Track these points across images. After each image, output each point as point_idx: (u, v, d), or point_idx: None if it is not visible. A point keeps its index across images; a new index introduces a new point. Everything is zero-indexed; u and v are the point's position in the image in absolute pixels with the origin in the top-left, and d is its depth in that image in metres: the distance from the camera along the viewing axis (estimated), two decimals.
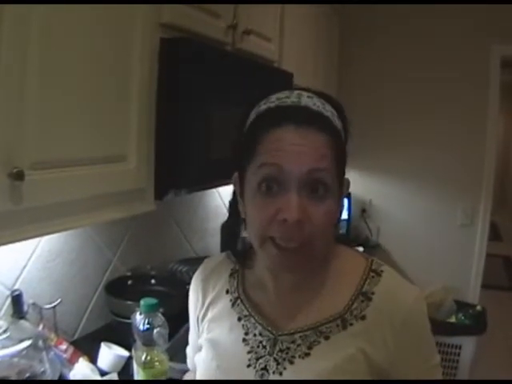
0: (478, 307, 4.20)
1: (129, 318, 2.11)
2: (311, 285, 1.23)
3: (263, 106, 1.16)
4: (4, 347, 1.62)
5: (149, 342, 1.59)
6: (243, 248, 1.32)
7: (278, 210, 1.08)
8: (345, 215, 4.09)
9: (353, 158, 1.24)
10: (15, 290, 1.88)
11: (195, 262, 2.83)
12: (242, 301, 1.30)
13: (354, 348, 1.14)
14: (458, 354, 3.98)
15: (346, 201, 4.00)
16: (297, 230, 1.07)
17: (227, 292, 1.34)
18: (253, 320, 1.26)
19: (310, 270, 1.20)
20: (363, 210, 4.52)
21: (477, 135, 4.23)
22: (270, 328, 1.23)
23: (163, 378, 1.59)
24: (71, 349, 1.93)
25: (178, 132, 1.87)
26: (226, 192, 3.31)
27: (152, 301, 1.62)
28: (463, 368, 3.99)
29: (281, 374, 1.18)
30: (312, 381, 1.14)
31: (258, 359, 1.22)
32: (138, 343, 1.60)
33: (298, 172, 1.07)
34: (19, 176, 1.27)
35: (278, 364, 1.19)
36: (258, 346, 1.23)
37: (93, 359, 1.97)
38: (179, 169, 1.90)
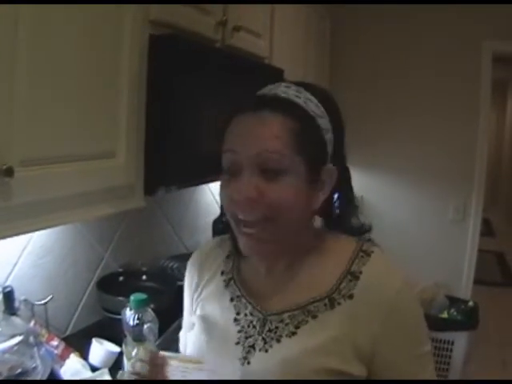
0: (470, 303, 4.22)
1: (120, 314, 2.12)
2: (300, 266, 1.26)
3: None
4: None
5: (139, 338, 1.59)
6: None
7: (233, 190, 1.16)
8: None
9: None
10: (6, 287, 1.87)
11: (186, 258, 2.83)
12: (235, 282, 1.35)
13: (340, 328, 1.16)
14: (451, 350, 4.00)
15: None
16: (248, 208, 1.14)
17: (222, 273, 1.39)
18: (244, 300, 1.30)
19: (284, 254, 1.26)
20: None
21: (469, 131, 4.23)
22: (259, 308, 1.27)
23: None
24: (62, 345, 1.94)
25: (168, 128, 1.87)
26: (217, 188, 3.29)
27: (141, 296, 1.62)
28: (456, 363, 4.01)
29: (266, 351, 1.21)
30: (312, 381, 1.15)
31: (247, 338, 1.25)
32: (129, 339, 1.61)
33: (247, 154, 1.14)
34: (9, 172, 1.27)
35: (265, 343, 1.22)
36: (249, 326, 1.26)
37: (84, 355, 1.97)
38: (169, 165, 1.91)
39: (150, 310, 1.61)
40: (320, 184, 1.20)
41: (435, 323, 3.88)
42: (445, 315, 4.13)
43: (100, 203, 1.72)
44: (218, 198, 3.48)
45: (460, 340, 4.00)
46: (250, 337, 1.25)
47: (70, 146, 1.54)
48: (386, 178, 4.51)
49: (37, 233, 2.02)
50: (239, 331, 1.27)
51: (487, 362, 4.51)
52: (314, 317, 1.19)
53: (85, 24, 1.54)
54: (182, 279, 2.54)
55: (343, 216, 1.30)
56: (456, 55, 4.19)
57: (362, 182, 4.44)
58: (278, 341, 1.21)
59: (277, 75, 2.65)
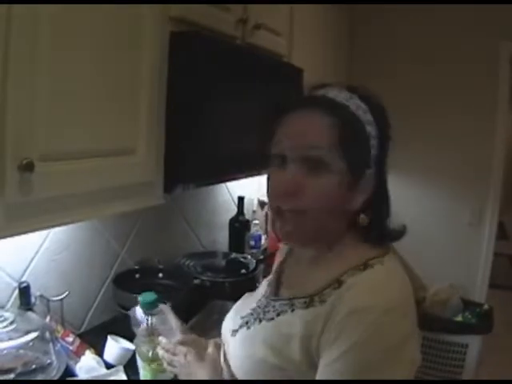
0: (485, 306, 4.18)
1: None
2: (309, 265, 1.31)
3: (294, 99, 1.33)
4: (10, 339, 1.62)
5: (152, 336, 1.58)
6: None
7: (277, 182, 1.24)
8: None
9: None
10: (23, 282, 1.88)
11: (202, 256, 2.86)
12: (282, 262, 1.48)
13: (302, 329, 1.17)
14: (465, 353, 3.96)
15: None
16: (284, 199, 1.21)
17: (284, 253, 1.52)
18: (268, 282, 1.45)
19: (312, 247, 1.30)
20: None
21: (485, 133, 4.19)
22: (273, 291, 1.39)
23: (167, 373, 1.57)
24: (78, 341, 1.94)
25: (188, 126, 1.86)
26: (234, 187, 3.34)
27: (151, 296, 1.57)
28: (469, 367, 3.97)
29: (248, 328, 1.33)
30: (312, 381, 1.15)
31: (252, 313, 1.36)
32: (140, 338, 1.59)
33: (293, 148, 1.20)
34: (29, 167, 1.28)
35: (254, 320, 1.33)
36: (259, 303, 1.38)
37: (99, 352, 1.97)
38: (188, 163, 1.90)
39: (159, 307, 1.58)
40: (362, 187, 1.22)
41: (450, 326, 3.86)
42: (459, 318, 4.09)
43: (119, 200, 1.71)
44: (234, 196, 3.49)
45: (474, 343, 3.96)
46: (252, 312, 1.36)
47: (90, 142, 1.54)
48: (403, 180, 4.48)
49: (54, 229, 2.03)
50: (252, 308, 1.38)
51: (501, 365, 4.47)
52: (292, 310, 1.24)
53: (105, 22, 1.54)
54: (198, 277, 2.55)
55: (377, 221, 1.29)
56: (474, 56, 4.15)
57: None
58: (260, 322, 1.30)
59: (296, 74, 2.65)
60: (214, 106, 1.99)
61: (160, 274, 2.53)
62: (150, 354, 1.56)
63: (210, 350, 1.43)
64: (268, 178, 1.30)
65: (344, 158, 1.18)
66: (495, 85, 4.15)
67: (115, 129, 1.64)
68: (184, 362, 1.41)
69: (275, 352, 1.19)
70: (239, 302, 1.50)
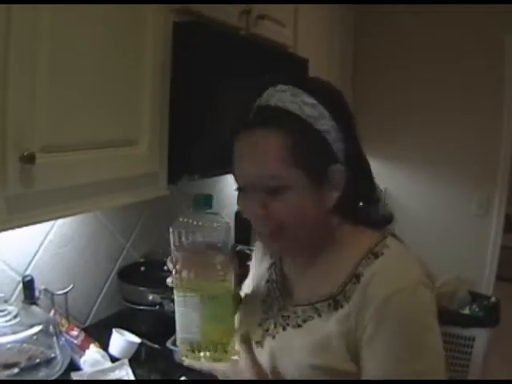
0: (493, 299, 4.16)
1: (141, 304, 2.11)
2: (318, 263, 1.30)
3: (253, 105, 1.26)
4: (14, 332, 1.62)
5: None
6: None
7: (245, 208, 1.25)
8: None
9: (367, 146, 1.28)
10: (26, 276, 1.88)
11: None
12: (275, 268, 1.44)
13: (337, 329, 1.17)
14: (471, 346, 3.94)
15: None
16: (261, 224, 1.22)
17: (270, 257, 1.49)
18: (275, 285, 1.39)
19: (302, 252, 1.30)
20: None
21: (493, 125, 4.18)
22: (284, 295, 1.35)
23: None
24: (82, 335, 1.94)
25: (192, 116, 1.85)
26: None
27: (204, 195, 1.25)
28: (476, 360, 3.96)
29: (273, 337, 1.29)
30: (312, 381, 1.19)
31: (266, 320, 1.33)
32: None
33: (247, 177, 1.21)
34: (30, 159, 1.27)
35: (275, 327, 1.30)
36: (270, 309, 1.35)
37: (104, 346, 1.97)
38: (193, 153, 1.88)
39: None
40: (330, 184, 1.20)
41: (457, 319, 3.84)
42: (466, 311, 4.08)
43: (122, 191, 1.70)
44: None
45: (481, 336, 3.95)
46: (267, 320, 1.33)
47: (92, 133, 1.53)
48: (410, 171, 4.47)
49: (57, 222, 2.03)
50: (263, 312, 1.35)
51: (508, 358, 4.46)
52: (319, 315, 1.23)
53: (108, 11, 1.52)
54: None
55: (363, 209, 1.30)
56: (479, 50, 4.13)
57: (385, 175, 4.41)
58: (284, 329, 1.28)
59: (302, 64, 2.63)
60: (218, 96, 1.97)
61: (166, 267, 2.51)
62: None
63: None
64: (238, 202, 1.29)
65: (301, 171, 1.17)
66: (502, 76, 4.13)
67: (117, 120, 1.63)
68: None
69: (318, 355, 1.18)
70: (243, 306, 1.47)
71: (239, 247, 2.90)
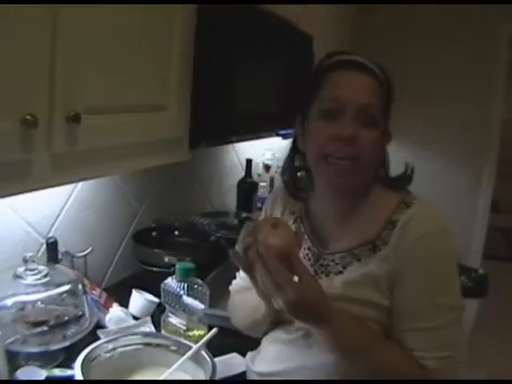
0: (481, 271, 4.23)
1: (156, 266, 2.17)
2: (352, 214, 1.45)
3: (326, 61, 1.44)
4: (46, 290, 1.64)
5: (187, 308, 1.65)
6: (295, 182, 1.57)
7: (335, 130, 1.34)
8: None
9: None
10: (50, 237, 1.91)
11: (215, 215, 2.94)
12: (301, 220, 1.56)
13: (377, 268, 1.33)
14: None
15: None
16: (347, 145, 1.33)
17: (290, 212, 1.60)
18: (305, 236, 1.51)
19: (352, 196, 1.44)
20: None
21: (483, 111, 4.35)
22: (316, 245, 1.49)
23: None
24: (104, 294, 1.98)
25: (213, 87, 1.89)
26: (242, 151, 3.41)
27: (188, 265, 1.69)
28: (465, 330, 4.04)
29: (320, 279, 1.40)
30: (312, 381, 1.35)
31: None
32: (172, 310, 1.68)
33: (353, 104, 1.33)
34: (76, 119, 1.30)
35: (316, 274, 1.43)
36: (304, 258, 1.47)
37: (123, 305, 2.01)
38: (213, 120, 1.93)
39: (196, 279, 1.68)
40: (387, 137, 1.41)
41: None
42: None
43: (151, 155, 1.74)
44: (242, 159, 3.51)
45: (471, 307, 4.03)
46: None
47: (130, 97, 1.57)
48: (399, 148, 4.54)
49: (78, 187, 2.07)
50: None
51: (496, 328, 4.60)
52: (358, 260, 1.37)
53: None
54: (213, 234, 2.61)
55: (387, 169, 1.50)
56: (473, 40, 4.24)
57: None
58: (327, 276, 1.43)
59: (307, 40, 2.69)
60: (235, 68, 2.03)
61: (176, 232, 2.58)
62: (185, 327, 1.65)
63: None
64: (316, 129, 1.40)
65: (383, 114, 1.39)
66: (495, 66, 4.23)
67: (149, 85, 1.66)
68: None
69: (357, 290, 1.35)
70: None
71: (244, 214, 2.96)
